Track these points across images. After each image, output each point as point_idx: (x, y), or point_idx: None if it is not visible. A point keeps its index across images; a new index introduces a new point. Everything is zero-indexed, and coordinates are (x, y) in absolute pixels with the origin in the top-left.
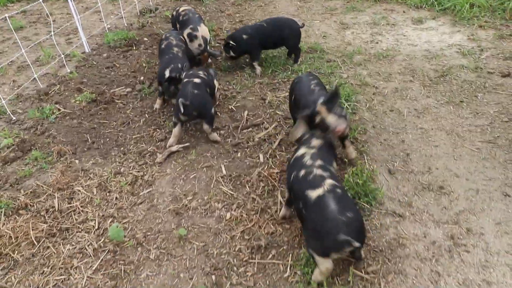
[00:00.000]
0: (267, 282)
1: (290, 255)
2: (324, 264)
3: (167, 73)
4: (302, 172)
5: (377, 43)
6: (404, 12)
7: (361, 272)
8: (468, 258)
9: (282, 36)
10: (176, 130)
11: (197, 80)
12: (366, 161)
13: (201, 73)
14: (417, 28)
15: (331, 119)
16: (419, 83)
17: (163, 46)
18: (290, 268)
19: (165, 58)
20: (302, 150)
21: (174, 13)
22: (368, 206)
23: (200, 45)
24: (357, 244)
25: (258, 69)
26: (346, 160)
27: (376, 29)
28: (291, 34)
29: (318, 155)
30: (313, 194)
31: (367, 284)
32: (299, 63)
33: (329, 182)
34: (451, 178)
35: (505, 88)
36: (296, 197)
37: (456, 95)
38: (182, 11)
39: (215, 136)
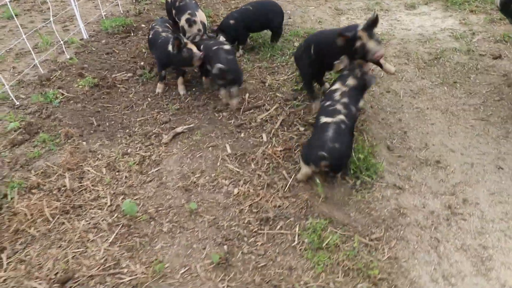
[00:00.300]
0: (277, 250)
1: (297, 225)
2: (303, 169)
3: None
4: (328, 103)
5: None
6: None
7: (365, 239)
8: (465, 226)
9: (267, 18)
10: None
11: (227, 47)
12: (366, 138)
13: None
14: (410, 13)
15: (371, 44)
16: (413, 66)
17: (151, 36)
18: (297, 237)
19: (158, 44)
20: (336, 85)
21: (169, 0)
22: (370, 180)
23: (199, 30)
24: (326, 161)
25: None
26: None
27: (370, 14)
28: (276, 16)
29: (347, 93)
30: (323, 120)
31: (371, 249)
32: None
33: (340, 117)
34: (447, 153)
35: (496, 70)
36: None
37: (449, 77)
38: None
39: (236, 101)
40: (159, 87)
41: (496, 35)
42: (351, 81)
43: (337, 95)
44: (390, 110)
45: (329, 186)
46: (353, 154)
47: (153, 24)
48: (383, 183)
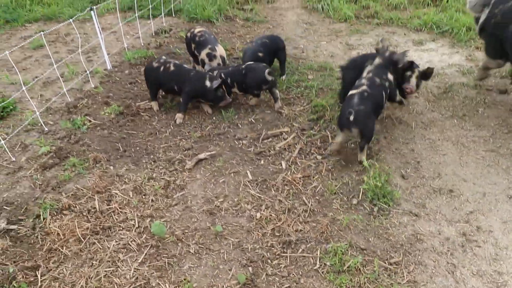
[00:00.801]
0: (300, 273)
1: (318, 249)
2: (337, 137)
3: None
4: (357, 81)
5: None
6: (405, 34)
7: (385, 263)
8: (480, 252)
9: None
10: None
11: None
12: (381, 167)
13: None
14: (418, 49)
15: (412, 80)
16: (424, 99)
17: (173, 69)
18: (319, 260)
19: (190, 77)
20: (368, 68)
21: (189, 34)
22: (387, 206)
23: (219, 64)
24: (351, 117)
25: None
26: (365, 165)
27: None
28: (283, 48)
29: (373, 70)
30: (351, 92)
31: (391, 273)
32: (311, 80)
33: (363, 88)
34: (459, 183)
35: (504, 104)
36: None
37: (459, 110)
38: (198, 32)
39: (279, 103)
40: (180, 117)
41: (502, 71)
42: (377, 60)
43: (364, 74)
44: (402, 141)
45: (348, 212)
46: (371, 181)
47: (164, 58)
48: (400, 209)
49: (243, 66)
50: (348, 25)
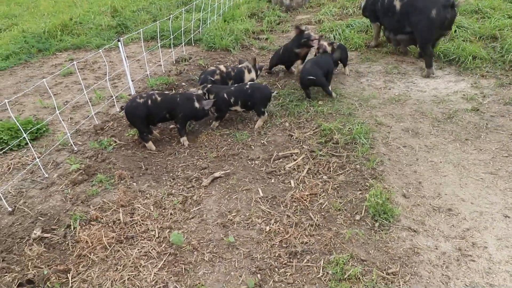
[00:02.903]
0: (304, 280)
1: (322, 260)
2: None
3: None
4: None
5: (389, 89)
6: (413, 63)
7: (383, 273)
8: (474, 266)
9: None
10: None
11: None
12: (383, 186)
13: None
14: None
15: None
16: (428, 124)
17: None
18: (322, 270)
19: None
20: None
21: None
22: (387, 222)
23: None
24: None
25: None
26: (368, 185)
27: (388, 77)
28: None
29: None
30: None
31: (388, 282)
32: (321, 105)
33: None
34: (458, 202)
35: (505, 129)
36: None
37: (461, 134)
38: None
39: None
40: (185, 140)
41: (506, 98)
42: None
43: None
44: (406, 163)
45: (351, 227)
46: (373, 199)
47: (147, 93)
48: (399, 225)
49: (247, 86)
50: (359, 53)
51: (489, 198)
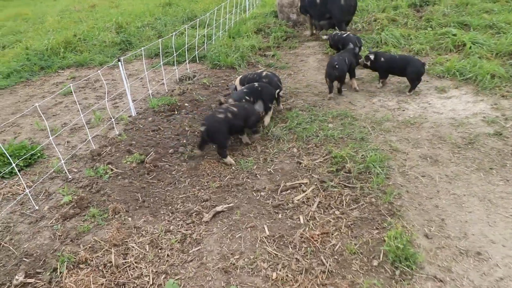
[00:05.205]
0: None
1: None
2: None
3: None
4: None
5: (403, 110)
6: (427, 81)
7: None
8: None
9: None
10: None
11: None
12: (403, 225)
13: None
14: (441, 97)
15: None
16: (448, 150)
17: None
18: None
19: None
20: None
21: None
22: (410, 270)
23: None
24: None
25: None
26: (386, 223)
27: (402, 97)
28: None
29: None
30: None
31: None
32: (331, 129)
33: None
34: (487, 244)
35: None
36: None
37: (485, 162)
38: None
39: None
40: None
41: None
42: None
43: None
44: (426, 196)
45: (368, 275)
46: (392, 242)
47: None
48: (423, 274)
49: (257, 85)
50: (369, 71)
51: None
